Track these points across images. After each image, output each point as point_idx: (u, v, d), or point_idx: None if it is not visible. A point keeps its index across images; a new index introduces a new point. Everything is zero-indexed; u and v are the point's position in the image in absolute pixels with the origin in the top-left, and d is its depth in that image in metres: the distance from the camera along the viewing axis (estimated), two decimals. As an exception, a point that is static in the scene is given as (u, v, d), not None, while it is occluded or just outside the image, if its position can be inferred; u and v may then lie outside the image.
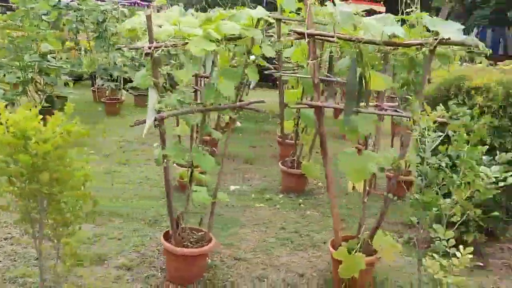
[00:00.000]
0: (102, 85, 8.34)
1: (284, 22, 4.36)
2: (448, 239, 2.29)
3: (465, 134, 2.32)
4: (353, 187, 3.31)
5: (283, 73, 4.49)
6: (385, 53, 3.14)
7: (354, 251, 3.10)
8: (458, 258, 2.26)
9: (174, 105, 2.92)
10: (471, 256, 2.26)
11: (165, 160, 2.81)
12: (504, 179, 2.24)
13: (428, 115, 2.36)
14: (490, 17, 27.92)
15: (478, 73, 3.59)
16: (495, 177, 2.23)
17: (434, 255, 2.25)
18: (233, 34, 2.66)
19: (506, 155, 2.38)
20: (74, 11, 7.93)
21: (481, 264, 3.84)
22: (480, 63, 5.21)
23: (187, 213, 3.26)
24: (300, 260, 3.63)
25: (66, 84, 6.86)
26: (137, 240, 3.75)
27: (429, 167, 2.31)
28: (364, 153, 3.06)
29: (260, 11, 2.72)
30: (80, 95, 9.52)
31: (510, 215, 3.68)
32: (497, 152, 3.48)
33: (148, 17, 2.41)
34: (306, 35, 2.75)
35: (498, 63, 14.45)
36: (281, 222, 4.33)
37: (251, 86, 13.75)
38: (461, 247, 2.30)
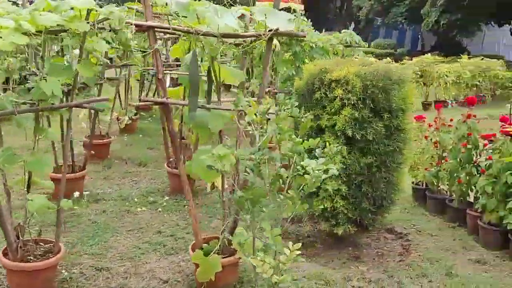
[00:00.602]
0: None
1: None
2: (276, 236, 2.21)
3: (286, 127, 2.25)
4: (212, 186, 3.19)
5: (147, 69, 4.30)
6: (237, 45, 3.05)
7: (213, 252, 2.98)
8: (286, 255, 2.19)
9: (4, 106, 2.66)
10: (298, 251, 2.20)
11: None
12: (326, 171, 2.19)
13: (251, 107, 2.26)
14: (405, 15, 29.39)
15: (339, 65, 3.59)
16: (318, 170, 2.18)
17: (259, 253, 2.17)
18: (52, 26, 2.43)
19: (336, 147, 2.34)
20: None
21: (356, 255, 3.90)
22: (358, 56, 5.32)
23: (29, 224, 2.99)
24: (169, 265, 3.46)
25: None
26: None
27: (254, 162, 2.22)
28: (221, 152, 2.94)
29: (85, 1, 2.51)
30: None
31: (377, 205, 3.73)
32: (358, 144, 3.59)
33: None
34: (135, 26, 2.58)
35: (413, 58, 15.06)
36: (160, 225, 4.15)
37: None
38: (290, 243, 2.24)
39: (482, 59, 12.92)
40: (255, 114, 2.31)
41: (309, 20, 8.18)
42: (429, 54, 13.65)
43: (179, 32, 2.73)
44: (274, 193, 2.26)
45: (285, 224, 4.38)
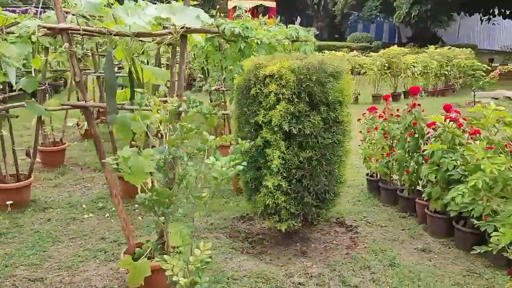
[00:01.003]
0: None
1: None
2: (184, 236, 2.15)
3: (189, 125, 2.19)
4: (142, 189, 3.11)
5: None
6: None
7: (144, 256, 2.91)
8: (196, 255, 2.14)
9: None
10: (208, 251, 2.15)
11: None
12: (234, 167, 2.14)
13: (156, 106, 2.20)
14: (380, 8, 29.65)
15: (274, 60, 3.55)
16: (225, 167, 2.12)
17: (165, 256, 2.11)
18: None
19: (250, 143, 2.29)
20: None
21: (303, 250, 3.85)
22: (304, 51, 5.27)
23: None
24: (107, 272, 3.38)
25: None
26: None
27: (158, 162, 2.16)
28: (143, 152, 2.88)
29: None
30: None
31: (320, 199, 3.70)
32: (296, 138, 3.55)
33: None
34: (48, 29, 2.50)
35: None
36: (105, 231, 4.06)
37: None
38: (201, 243, 2.18)
39: (449, 48, 13.01)
40: (165, 114, 2.24)
41: (280, 16, 8.13)
42: (406, 46, 13.71)
43: (92, 33, 2.65)
44: (184, 193, 2.20)
45: (235, 222, 4.36)
